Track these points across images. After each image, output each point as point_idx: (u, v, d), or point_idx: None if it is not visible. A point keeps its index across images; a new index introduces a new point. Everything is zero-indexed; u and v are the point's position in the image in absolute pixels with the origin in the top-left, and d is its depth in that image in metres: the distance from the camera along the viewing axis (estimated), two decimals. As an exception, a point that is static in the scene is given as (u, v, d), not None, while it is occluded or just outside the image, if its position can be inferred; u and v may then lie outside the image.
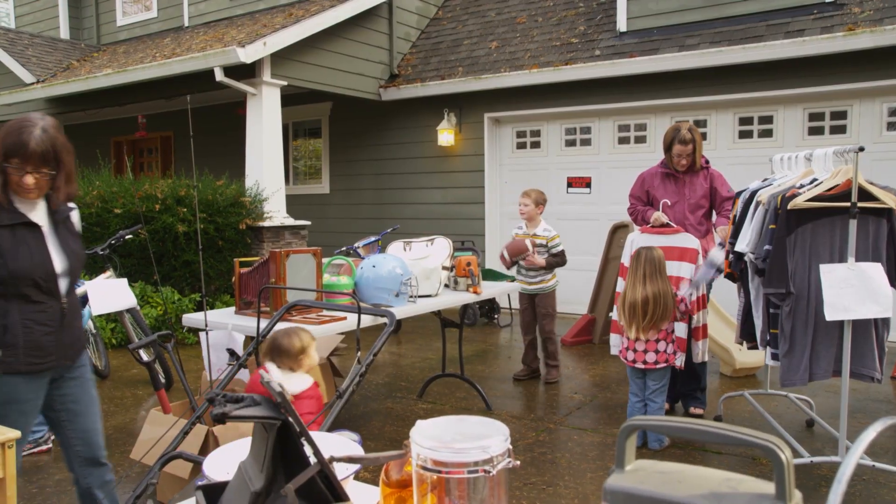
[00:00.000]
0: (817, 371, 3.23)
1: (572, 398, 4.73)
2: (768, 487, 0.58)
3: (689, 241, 4.02)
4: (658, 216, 4.08)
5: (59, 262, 2.28)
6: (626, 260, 4.07)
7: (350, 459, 1.00)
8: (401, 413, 4.47)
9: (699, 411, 4.27)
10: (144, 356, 4.39)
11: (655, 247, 3.76)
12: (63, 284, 2.30)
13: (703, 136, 7.11)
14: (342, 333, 4.93)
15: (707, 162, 4.29)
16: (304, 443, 0.92)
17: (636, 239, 4.12)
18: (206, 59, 6.93)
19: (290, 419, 0.89)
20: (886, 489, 3.22)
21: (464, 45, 8.73)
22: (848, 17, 6.13)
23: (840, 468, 0.66)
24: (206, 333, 3.24)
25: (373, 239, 6.48)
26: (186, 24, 10.31)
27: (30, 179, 2.15)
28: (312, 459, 0.90)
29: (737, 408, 4.45)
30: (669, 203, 4.19)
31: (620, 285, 4.07)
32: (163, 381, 4.36)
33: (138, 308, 4.85)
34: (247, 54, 6.73)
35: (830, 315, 3.05)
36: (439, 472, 0.98)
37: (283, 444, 0.93)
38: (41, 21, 12.09)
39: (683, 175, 4.22)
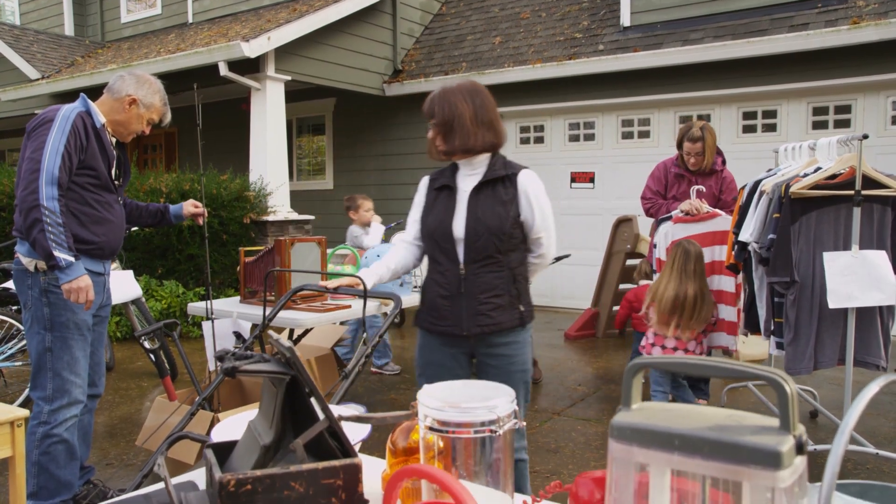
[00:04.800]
0: (822, 359, 3.23)
1: (576, 390, 4.74)
2: (772, 421, 0.59)
3: (727, 223, 3.87)
4: (698, 205, 3.92)
5: (459, 227, 2.23)
6: (661, 254, 3.96)
7: (358, 419, 1.01)
8: (404, 404, 4.48)
9: (703, 402, 4.28)
10: (148, 345, 4.40)
11: (695, 242, 3.65)
12: (462, 250, 2.23)
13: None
14: (345, 324, 4.95)
15: (724, 162, 4.18)
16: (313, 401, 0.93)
17: (671, 230, 3.96)
18: (211, 53, 6.96)
19: (300, 376, 0.90)
20: (890, 478, 3.23)
21: (467, 40, 8.73)
22: (852, 11, 6.12)
23: (843, 421, 0.67)
24: (212, 322, 3.25)
25: (376, 233, 6.50)
26: (190, 20, 10.34)
27: (430, 133, 2.28)
28: (321, 416, 0.91)
29: (740, 398, 4.46)
30: (704, 190, 4.07)
31: None
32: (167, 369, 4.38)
33: (143, 299, 4.87)
34: (251, 49, 6.74)
35: (834, 303, 3.05)
36: (446, 431, 0.99)
37: (291, 400, 0.95)
38: (46, 18, 12.12)
39: (694, 176, 4.15)
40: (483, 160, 2.27)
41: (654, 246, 4.09)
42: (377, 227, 5.29)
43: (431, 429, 1.00)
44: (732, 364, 0.61)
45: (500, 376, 2.23)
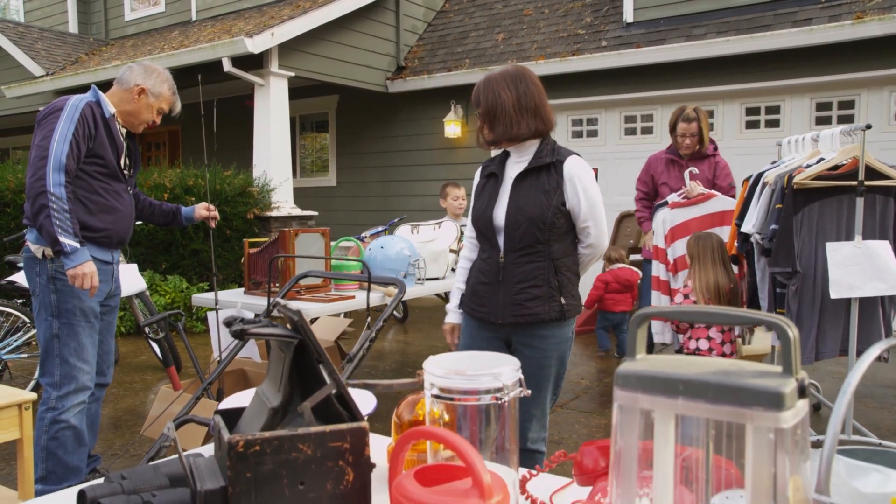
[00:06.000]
0: (824, 350, 3.23)
1: (579, 383, 4.75)
2: (774, 368, 0.60)
3: (725, 203, 3.82)
4: (693, 186, 3.90)
5: (500, 215, 2.21)
6: (659, 241, 3.91)
7: (364, 385, 1.03)
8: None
9: None
10: (152, 336, 4.42)
11: (713, 233, 3.55)
12: (502, 239, 2.21)
13: (710, 126, 7.12)
14: (349, 316, 4.96)
15: (716, 149, 4.23)
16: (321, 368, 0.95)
17: (668, 216, 3.90)
18: (215, 49, 6.98)
19: (307, 340, 0.91)
20: (893, 468, 3.23)
21: (470, 37, 8.74)
22: (856, 6, 6.12)
23: (846, 380, 0.68)
24: (217, 312, 3.27)
25: (380, 229, 6.52)
26: (194, 17, 10.36)
27: (479, 123, 2.29)
28: (329, 382, 0.92)
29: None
30: (697, 171, 4.03)
31: (656, 269, 3.94)
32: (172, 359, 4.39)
33: (147, 293, 4.88)
34: (255, 44, 6.76)
35: (836, 293, 3.06)
36: (451, 399, 1.00)
37: (299, 367, 0.96)
38: (50, 16, 12.17)
39: (688, 162, 4.17)
40: (531, 147, 2.23)
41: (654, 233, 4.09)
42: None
43: (436, 397, 1.01)
44: (735, 311, 0.62)
45: (531, 368, 2.16)
